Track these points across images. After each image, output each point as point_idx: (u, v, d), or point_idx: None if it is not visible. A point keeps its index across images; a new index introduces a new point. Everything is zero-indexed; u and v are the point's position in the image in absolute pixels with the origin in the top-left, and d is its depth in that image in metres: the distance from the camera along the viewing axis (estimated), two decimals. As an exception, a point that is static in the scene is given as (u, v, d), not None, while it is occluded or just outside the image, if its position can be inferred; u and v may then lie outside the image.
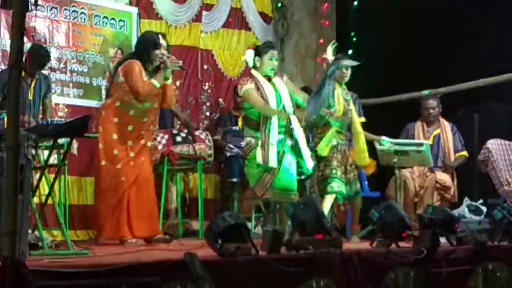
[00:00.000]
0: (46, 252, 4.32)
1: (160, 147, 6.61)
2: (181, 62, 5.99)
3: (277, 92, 5.78)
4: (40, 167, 4.93)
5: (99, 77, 7.31)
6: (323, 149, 5.96)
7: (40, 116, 6.29)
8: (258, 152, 5.59)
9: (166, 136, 6.69)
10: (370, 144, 6.49)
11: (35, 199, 4.81)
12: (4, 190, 3.16)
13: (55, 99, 6.73)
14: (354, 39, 8.80)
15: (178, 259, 3.58)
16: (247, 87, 5.73)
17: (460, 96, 7.79)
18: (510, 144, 7.31)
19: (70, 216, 6.59)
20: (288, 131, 5.77)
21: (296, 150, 5.78)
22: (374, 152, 6.63)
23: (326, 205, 5.87)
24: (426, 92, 7.75)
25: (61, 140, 5.17)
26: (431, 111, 7.23)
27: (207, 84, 8.28)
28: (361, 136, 6.21)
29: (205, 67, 8.28)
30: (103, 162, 5.70)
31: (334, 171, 5.96)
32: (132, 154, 5.72)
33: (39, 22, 6.72)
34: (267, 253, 4.03)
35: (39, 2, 6.31)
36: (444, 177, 6.99)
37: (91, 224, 6.60)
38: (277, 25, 8.98)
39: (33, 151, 4.52)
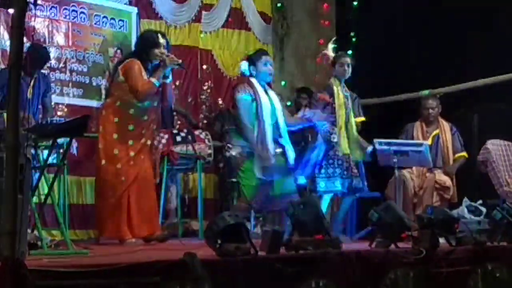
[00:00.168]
0: (45, 252, 4.31)
1: (160, 146, 6.61)
2: (180, 60, 5.99)
3: (273, 106, 5.73)
4: (39, 166, 4.93)
5: (99, 77, 7.31)
6: None
7: (40, 115, 6.29)
8: (257, 164, 5.51)
9: (166, 136, 6.69)
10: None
11: (35, 199, 4.81)
12: (3, 190, 3.16)
13: (54, 98, 6.72)
14: (354, 39, 8.80)
15: (177, 259, 3.57)
16: (243, 97, 5.65)
17: (459, 96, 7.79)
18: (510, 145, 7.31)
19: (70, 215, 6.60)
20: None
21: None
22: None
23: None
24: (425, 92, 7.74)
25: (60, 140, 5.17)
26: (431, 111, 7.22)
27: (206, 84, 8.27)
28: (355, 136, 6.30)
29: (204, 67, 8.28)
30: (103, 162, 5.69)
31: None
32: (132, 153, 5.71)
33: (38, 21, 6.73)
34: (267, 253, 4.03)
35: (39, 2, 6.31)
36: (443, 178, 6.98)
37: (91, 224, 6.59)
38: (277, 25, 8.98)
39: (33, 151, 4.52)
